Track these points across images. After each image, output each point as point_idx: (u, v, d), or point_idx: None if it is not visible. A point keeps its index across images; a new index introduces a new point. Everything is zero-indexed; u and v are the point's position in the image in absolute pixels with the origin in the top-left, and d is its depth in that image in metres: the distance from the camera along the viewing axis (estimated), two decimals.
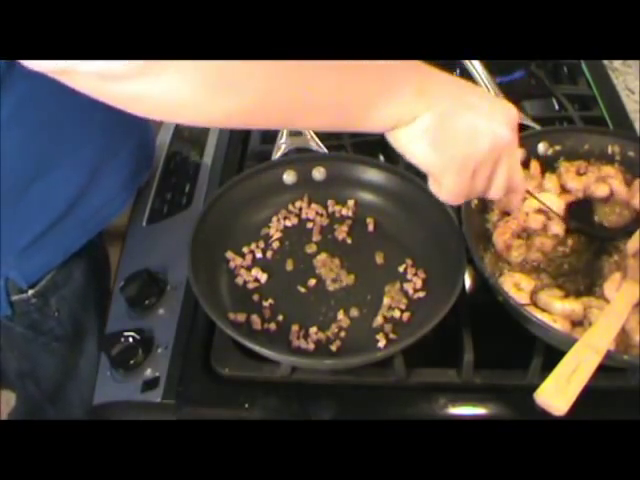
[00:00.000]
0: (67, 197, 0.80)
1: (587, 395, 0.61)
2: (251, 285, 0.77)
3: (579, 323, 0.71)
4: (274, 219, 0.84)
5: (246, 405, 0.71)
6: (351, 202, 0.85)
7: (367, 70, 0.56)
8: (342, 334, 0.73)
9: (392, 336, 0.73)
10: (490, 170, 0.62)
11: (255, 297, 0.76)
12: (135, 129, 0.90)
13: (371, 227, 0.84)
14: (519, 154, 0.66)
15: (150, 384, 0.73)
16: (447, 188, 0.62)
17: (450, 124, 0.58)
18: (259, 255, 0.80)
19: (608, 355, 0.64)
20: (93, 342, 0.96)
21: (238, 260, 0.79)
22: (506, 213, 0.83)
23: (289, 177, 0.85)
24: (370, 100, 0.56)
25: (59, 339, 0.92)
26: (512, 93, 1.01)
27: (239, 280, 0.78)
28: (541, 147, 0.88)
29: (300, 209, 0.85)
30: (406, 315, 0.75)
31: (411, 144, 0.59)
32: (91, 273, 0.92)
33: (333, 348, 0.72)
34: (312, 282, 0.78)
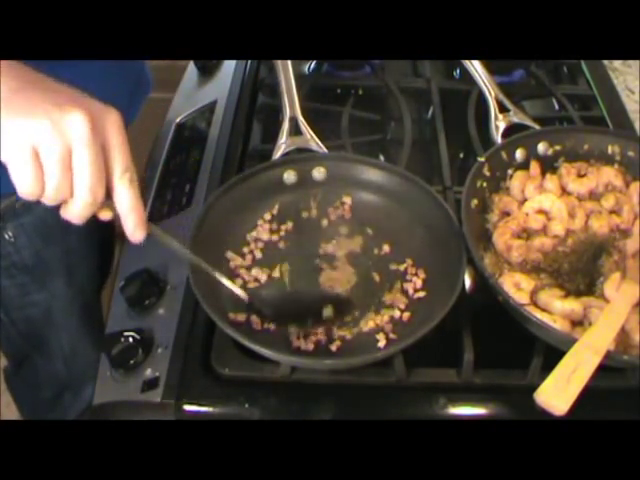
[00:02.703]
0: None
1: (587, 395, 0.61)
2: (251, 285, 0.77)
3: (579, 323, 0.71)
4: (274, 219, 0.84)
5: (246, 405, 0.71)
6: (351, 202, 0.85)
7: None
8: (342, 334, 0.74)
9: (392, 336, 0.73)
10: (56, 156, 0.55)
11: None
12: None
13: (371, 227, 0.84)
14: (116, 153, 0.57)
15: (150, 384, 0.73)
16: (13, 172, 0.55)
17: (12, 100, 0.55)
18: (259, 255, 0.80)
19: (608, 355, 0.64)
20: (61, 284, 1.00)
21: (238, 260, 0.79)
22: (506, 213, 0.83)
23: (289, 177, 0.85)
24: None
25: (18, 267, 0.95)
26: (512, 93, 1.02)
27: (239, 280, 0.78)
28: (541, 147, 0.88)
29: (300, 209, 0.85)
30: (406, 315, 0.75)
31: None
32: (58, 213, 0.92)
33: (333, 348, 0.72)
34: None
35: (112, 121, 0.58)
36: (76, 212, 0.58)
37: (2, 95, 0.55)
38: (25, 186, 0.56)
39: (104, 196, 0.58)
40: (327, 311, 0.74)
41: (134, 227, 0.61)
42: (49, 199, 0.57)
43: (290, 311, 0.75)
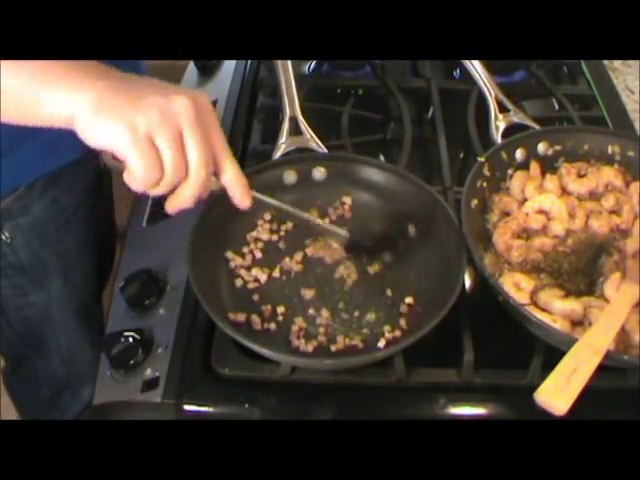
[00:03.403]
0: (11, 131, 0.81)
1: (587, 395, 0.61)
2: (251, 285, 0.77)
3: (579, 323, 0.71)
4: (274, 219, 0.83)
5: (246, 405, 0.71)
6: (350, 202, 0.85)
7: (30, 69, 0.59)
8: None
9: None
10: (170, 138, 0.58)
11: (255, 297, 0.76)
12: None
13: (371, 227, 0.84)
14: (215, 131, 0.61)
15: (150, 384, 0.73)
16: (132, 163, 0.58)
17: (115, 96, 0.58)
18: (259, 255, 0.80)
19: (608, 355, 0.64)
20: (58, 284, 1.00)
21: (238, 260, 0.79)
22: (506, 213, 0.83)
23: (289, 177, 0.85)
24: (33, 97, 0.58)
25: (15, 268, 0.96)
26: (512, 93, 1.02)
27: (239, 280, 0.78)
28: (541, 147, 0.88)
29: (300, 209, 0.85)
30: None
31: (89, 128, 0.58)
32: (54, 214, 0.94)
33: (333, 348, 0.72)
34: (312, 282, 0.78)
35: (206, 103, 0.61)
36: (191, 191, 0.61)
37: (97, 95, 0.57)
38: (147, 173, 0.58)
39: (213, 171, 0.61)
40: (411, 228, 0.81)
41: (241, 195, 0.65)
42: (167, 182, 0.59)
43: (381, 240, 0.80)
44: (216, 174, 0.63)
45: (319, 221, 0.78)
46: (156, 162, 0.58)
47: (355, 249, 0.81)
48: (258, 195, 0.69)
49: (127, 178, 0.59)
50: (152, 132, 0.57)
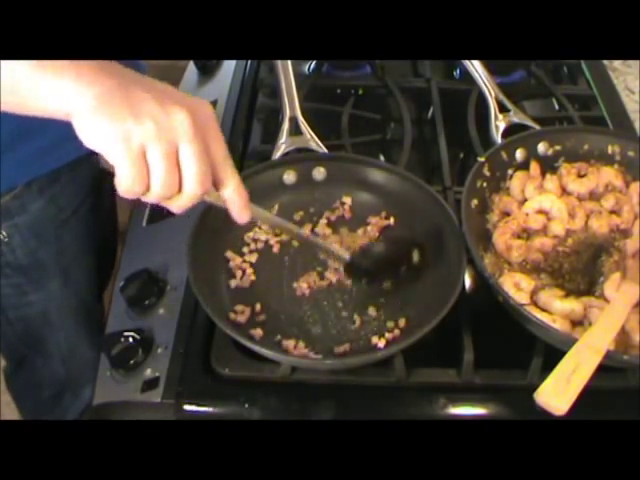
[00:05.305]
0: (9, 131, 0.80)
1: (587, 395, 0.61)
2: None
3: (579, 323, 0.71)
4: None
5: (246, 405, 0.71)
6: (350, 202, 0.85)
7: (36, 66, 0.56)
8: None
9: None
10: (163, 155, 0.56)
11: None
12: None
13: (371, 227, 0.84)
14: (216, 143, 0.59)
15: (150, 384, 0.73)
16: (119, 171, 0.56)
17: (114, 99, 0.55)
18: (258, 255, 0.80)
19: (608, 355, 0.64)
20: (57, 284, 1.00)
21: (238, 260, 0.79)
22: (506, 213, 0.83)
23: (289, 177, 0.85)
24: (36, 93, 0.56)
25: (13, 267, 0.96)
26: (512, 93, 1.02)
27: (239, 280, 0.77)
28: (541, 147, 0.88)
29: (300, 209, 0.85)
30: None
31: (83, 127, 0.55)
32: (53, 213, 0.94)
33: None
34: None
35: (208, 114, 0.59)
36: (183, 204, 0.59)
37: (102, 93, 0.55)
38: (132, 185, 0.56)
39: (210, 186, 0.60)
40: (415, 255, 0.77)
41: (240, 210, 0.63)
42: (155, 195, 0.58)
43: (384, 266, 0.77)
44: (216, 186, 0.61)
45: (321, 242, 0.77)
46: (143, 176, 0.56)
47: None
48: (259, 209, 0.67)
49: (117, 184, 0.57)
50: (146, 145, 0.55)
